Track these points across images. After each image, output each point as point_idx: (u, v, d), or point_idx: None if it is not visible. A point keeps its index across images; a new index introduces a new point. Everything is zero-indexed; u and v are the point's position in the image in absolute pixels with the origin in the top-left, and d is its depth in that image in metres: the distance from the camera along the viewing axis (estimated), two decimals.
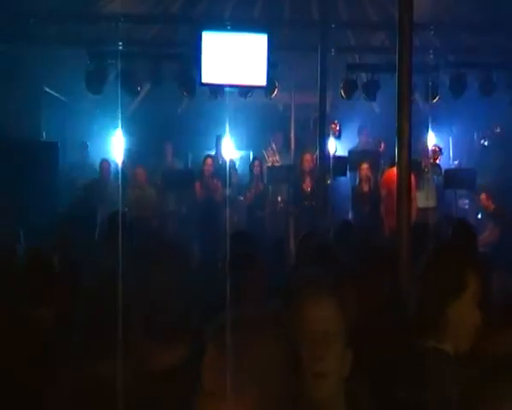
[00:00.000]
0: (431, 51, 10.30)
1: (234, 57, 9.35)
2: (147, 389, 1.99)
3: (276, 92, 9.82)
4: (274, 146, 10.81)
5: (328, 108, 9.63)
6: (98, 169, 10.40)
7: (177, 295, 2.16)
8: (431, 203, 10.06)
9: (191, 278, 2.24)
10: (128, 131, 10.21)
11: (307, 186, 9.88)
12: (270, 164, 10.63)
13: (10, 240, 5.98)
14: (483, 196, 9.95)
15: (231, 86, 9.84)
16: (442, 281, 2.37)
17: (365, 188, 9.92)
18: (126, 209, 9.61)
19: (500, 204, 9.81)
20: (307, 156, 10.07)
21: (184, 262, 2.25)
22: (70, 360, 2.38)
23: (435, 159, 10.40)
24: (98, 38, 9.66)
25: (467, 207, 10.55)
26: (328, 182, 9.49)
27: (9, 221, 7.09)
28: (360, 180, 9.99)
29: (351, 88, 9.77)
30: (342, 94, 9.82)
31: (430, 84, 9.68)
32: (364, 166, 10.00)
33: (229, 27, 9.49)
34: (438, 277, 2.39)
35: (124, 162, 10.79)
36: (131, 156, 10.66)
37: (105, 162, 10.38)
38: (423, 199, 9.78)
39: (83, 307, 2.80)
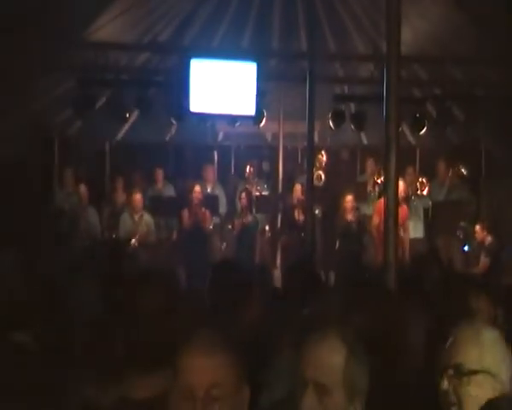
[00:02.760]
0: (417, 83, 10.43)
1: (222, 85, 9.40)
2: None
3: (264, 121, 9.85)
4: (255, 176, 10.84)
5: (316, 138, 9.67)
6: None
7: (162, 324, 2.19)
8: (418, 234, 10.09)
9: (175, 306, 2.26)
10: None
11: (298, 216, 9.89)
12: (257, 193, 10.60)
13: None
14: (478, 227, 9.98)
15: (220, 115, 9.89)
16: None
17: (349, 217, 9.94)
18: (114, 236, 9.61)
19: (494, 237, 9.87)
20: (297, 186, 10.09)
21: (170, 290, 2.28)
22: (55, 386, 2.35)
23: (422, 190, 10.44)
24: (87, 64, 9.67)
25: (461, 236, 10.55)
26: (316, 212, 9.49)
27: None
28: (344, 210, 10.00)
29: (339, 118, 9.83)
30: (331, 124, 9.87)
31: (417, 115, 9.75)
32: (349, 197, 10.02)
33: (218, 55, 9.57)
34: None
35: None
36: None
37: (82, 187, 10.29)
38: (412, 230, 9.82)
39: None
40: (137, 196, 10.10)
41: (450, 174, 10.58)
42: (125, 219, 10.05)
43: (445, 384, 2.00)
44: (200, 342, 1.81)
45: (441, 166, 10.71)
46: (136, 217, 10.00)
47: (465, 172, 10.61)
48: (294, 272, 4.44)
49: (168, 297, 2.31)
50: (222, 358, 1.79)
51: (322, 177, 10.60)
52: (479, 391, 1.99)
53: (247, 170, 10.95)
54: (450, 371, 2.01)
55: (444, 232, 10.11)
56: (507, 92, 9.75)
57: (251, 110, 9.47)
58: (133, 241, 9.71)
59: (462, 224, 10.36)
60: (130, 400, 2.16)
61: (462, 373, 2.00)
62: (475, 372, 1.99)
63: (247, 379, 1.82)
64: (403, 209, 9.01)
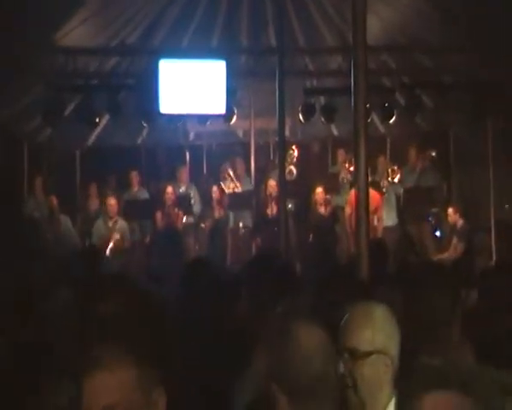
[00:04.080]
0: (386, 73, 10.51)
1: (192, 85, 9.38)
2: None
3: (234, 119, 9.85)
4: (232, 173, 10.83)
5: (287, 133, 9.69)
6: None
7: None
8: (391, 222, 10.18)
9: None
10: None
11: (271, 211, 9.91)
12: (230, 190, 10.60)
13: None
14: (450, 210, 10.08)
15: (190, 115, 9.88)
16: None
17: (322, 210, 9.99)
18: (87, 243, 9.53)
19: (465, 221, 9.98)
20: (271, 182, 10.11)
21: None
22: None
23: (393, 178, 10.52)
24: (56, 70, 9.59)
25: (433, 222, 10.65)
26: (289, 206, 9.52)
27: None
28: (315, 203, 10.05)
29: (309, 112, 9.86)
30: (301, 118, 9.91)
31: (386, 104, 9.82)
32: (319, 189, 10.08)
33: (187, 55, 9.55)
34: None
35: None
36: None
37: (53, 198, 10.12)
38: (384, 218, 9.90)
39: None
40: (112, 202, 10.02)
41: (420, 159, 10.70)
42: (99, 226, 9.97)
43: (342, 368, 2.03)
44: (100, 357, 1.68)
45: (412, 151, 10.82)
46: (111, 223, 9.93)
47: (434, 155, 10.75)
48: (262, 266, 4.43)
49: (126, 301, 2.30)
50: (124, 374, 1.65)
51: (294, 171, 10.65)
52: (372, 371, 2.04)
53: (227, 170, 10.90)
54: (346, 355, 2.05)
55: (416, 218, 10.22)
56: (474, 78, 9.87)
57: (221, 108, 9.47)
58: (109, 247, 9.65)
59: (433, 209, 10.48)
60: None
61: (356, 356, 2.04)
62: (369, 354, 2.04)
63: (162, 393, 1.69)
64: (376, 197, 9.09)
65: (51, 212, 10.01)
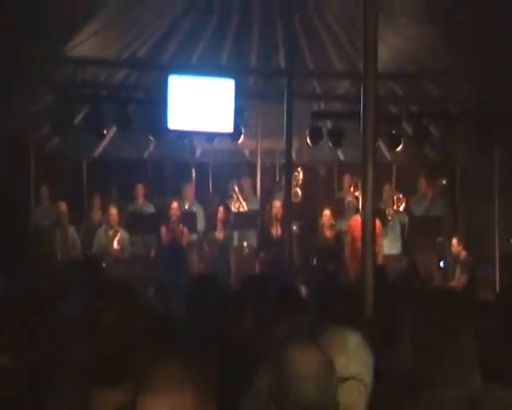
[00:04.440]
0: (394, 100, 10.56)
1: (201, 102, 9.41)
2: None
3: (242, 138, 9.88)
4: (238, 192, 10.85)
5: (294, 155, 9.72)
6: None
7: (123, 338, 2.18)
8: (395, 250, 10.17)
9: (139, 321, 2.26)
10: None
11: (276, 232, 9.92)
12: (235, 210, 10.61)
13: None
14: (454, 241, 10.09)
15: (198, 132, 9.90)
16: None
17: (328, 233, 10.00)
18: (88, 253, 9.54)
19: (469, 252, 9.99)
20: (277, 203, 10.12)
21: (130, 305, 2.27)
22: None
23: (398, 206, 10.53)
24: (65, 80, 9.65)
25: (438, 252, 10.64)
26: (294, 228, 9.52)
27: None
28: (323, 226, 10.06)
29: (316, 135, 9.89)
30: (308, 141, 9.94)
31: (393, 132, 9.86)
32: (326, 212, 10.09)
33: (196, 72, 9.59)
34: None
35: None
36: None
37: (62, 204, 10.19)
38: (388, 246, 9.89)
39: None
40: (113, 211, 10.07)
41: (431, 188, 10.74)
42: (100, 235, 10.02)
43: None
44: (164, 378, 1.58)
45: (422, 180, 10.86)
46: (111, 232, 9.96)
47: (445, 183, 10.81)
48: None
49: (128, 312, 2.30)
50: (189, 398, 1.55)
51: (299, 193, 10.66)
52: (347, 397, 2.04)
53: (233, 188, 10.92)
54: None
55: (422, 248, 10.21)
56: (480, 109, 9.91)
57: (229, 127, 9.49)
58: (112, 255, 9.68)
59: (438, 239, 10.47)
60: None
61: None
62: (344, 380, 2.04)
63: None
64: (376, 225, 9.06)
65: (59, 218, 10.03)
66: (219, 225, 10.46)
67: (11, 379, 3.04)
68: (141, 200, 10.66)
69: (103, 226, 10.11)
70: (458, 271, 9.87)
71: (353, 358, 2.08)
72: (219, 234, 10.46)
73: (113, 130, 10.20)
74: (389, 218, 10.15)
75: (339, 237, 10.01)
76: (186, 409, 1.54)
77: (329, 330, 2.21)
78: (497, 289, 9.61)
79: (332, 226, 10.08)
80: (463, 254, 9.96)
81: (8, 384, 2.95)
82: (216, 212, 10.51)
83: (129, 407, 1.69)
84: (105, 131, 9.82)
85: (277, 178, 11.62)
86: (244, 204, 10.64)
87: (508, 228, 10.17)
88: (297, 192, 10.52)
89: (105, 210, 10.39)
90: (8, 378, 3.03)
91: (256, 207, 10.67)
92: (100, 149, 11.51)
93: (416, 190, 10.95)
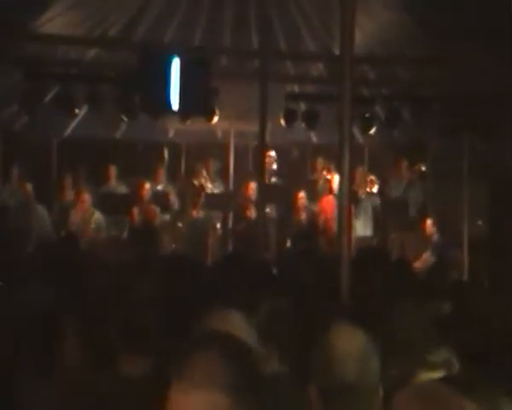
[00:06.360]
0: (367, 84, 10.61)
1: (174, 82, 9.32)
2: (122, 393, 2.12)
3: (215, 119, 9.84)
4: (205, 173, 10.84)
5: (267, 137, 9.71)
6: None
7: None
8: (368, 232, 10.27)
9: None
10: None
11: (250, 214, 9.92)
12: (208, 191, 10.60)
13: None
14: (428, 222, 10.22)
15: (171, 112, 9.82)
16: None
17: (302, 216, 10.05)
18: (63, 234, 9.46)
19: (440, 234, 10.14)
20: (251, 184, 10.11)
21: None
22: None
23: (371, 188, 10.63)
24: (34, 58, 9.47)
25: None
26: (268, 210, 9.54)
27: None
28: (297, 209, 10.10)
29: (291, 117, 9.91)
30: (282, 123, 9.94)
31: (367, 115, 9.92)
32: (301, 194, 10.13)
33: (169, 51, 9.49)
34: None
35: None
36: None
37: (27, 184, 10.05)
38: (361, 228, 9.98)
39: None
40: (85, 196, 10.00)
41: (409, 172, 10.87)
42: (75, 216, 9.91)
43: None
44: (199, 374, 1.39)
45: (403, 163, 10.96)
46: (86, 215, 9.87)
47: (424, 170, 10.94)
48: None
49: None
50: (224, 398, 1.37)
51: (273, 175, 10.68)
52: None
53: (203, 167, 10.89)
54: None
55: (394, 229, 10.34)
56: (450, 93, 10.03)
57: (201, 107, 9.44)
58: (85, 238, 9.59)
59: (410, 221, 10.61)
60: (123, 378, 2.22)
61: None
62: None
63: None
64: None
65: (25, 199, 9.90)
66: (194, 206, 10.42)
67: None
68: (113, 180, 10.58)
69: (76, 208, 10.02)
70: (428, 252, 10.01)
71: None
72: (197, 214, 10.42)
73: (85, 109, 10.07)
74: (362, 197, 10.26)
75: (312, 218, 10.07)
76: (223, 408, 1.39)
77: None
78: (466, 271, 9.80)
79: (305, 208, 10.14)
80: (435, 236, 10.11)
81: None
82: (192, 192, 10.48)
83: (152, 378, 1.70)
84: (76, 111, 9.69)
85: (251, 160, 11.62)
86: (210, 185, 10.63)
87: (476, 211, 10.34)
88: (270, 174, 10.52)
89: (76, 190, 10.30)
90: None
91: (221, 189, 10.67)
92: (71, 128, 11.36)
93: (390, 172, 11.06)
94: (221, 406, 1.36)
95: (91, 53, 10.47)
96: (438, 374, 2.31)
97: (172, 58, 8.98)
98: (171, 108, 8.92)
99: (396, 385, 1.76)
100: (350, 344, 1.92)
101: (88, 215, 9.88)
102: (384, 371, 1.94)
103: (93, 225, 9.79)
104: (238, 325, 2.09)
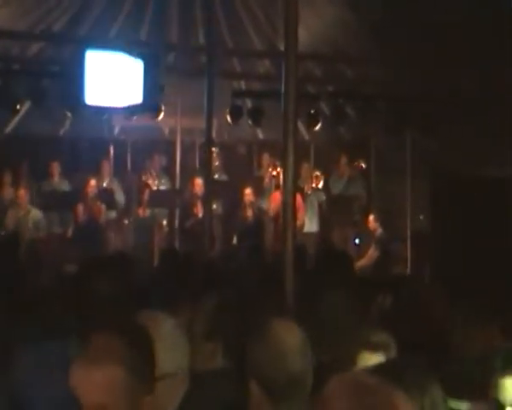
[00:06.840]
0: (312, 81, 10.73)
1: (118, 78, 9.25)
2: None
3: (161, 115, 9.79)
4: (152, 170, 10.78)
5: (214, 134, 9.71)
6: None
7: None
8: (312, 228, 10.38)
9: None
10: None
11: (198, 211, 9.90)
12: (154, 187, 10.53)
13: None
14: (371, 217, 10.39)
15: (116, 108, 9.74)
16: None
17: (249, 213, 10.09)
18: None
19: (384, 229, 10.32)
20: (198, 180, 10.09)
21: None
22: None
23: (317, 184, 10.74)
24: None
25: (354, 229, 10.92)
26: (215, 207, 9.55)
27: None
28: (244, 205, 10.14)
29: (237, 114, 9.93)
30: (228, 119, 9.96)
31: (312, 112, 10.02)
32: (247, 191, 10.17)
33: (114, 47, 9.40)
34: None
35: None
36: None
37: None
38: (307, 224, 10.09)
39: None
40: (21, 192, 9.86)
41: (350, 168, 11.01)
42: (12, 216, 9.73)
43: None
44: (97, 351, 1.61)
45: (342, 159, 11.08)
46: (22, 213, 9.71)
47: (364, 166, 11.10)
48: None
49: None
50: (116, 371, 1.59)
51: (219, 172, 10.69)
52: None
53: (149, 164, 10.82)
54: None
55: (338, 225, 10.48)
56: (393, 91, 10.23)
57: (147, 103, 9.38)
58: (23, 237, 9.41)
59: (355, 218, 10.77)
60: None
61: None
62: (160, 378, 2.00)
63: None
64: (298, 200, 9.23)
65: None
66: (141, 203, 10.35)
67: None
68: (56, 177, 10.42)
69: (14, 207, 9.83)
70: (372, 248, 10.18)
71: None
72: (144, 212, 10.35)
73: (27, 105, 9.86)
74: (308, 193, 10.35)
75: (259, 215, 10.13)
76: (118, 383, 1.58)
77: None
78: (409, 265, 10.03)
79: (252, 204, 10.18)
80: (378, 231, 10.29)
81: None
82: (139, 189, 10.40)
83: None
84: (18, 106, 9.48)
85: (197, 157, 11.60)
86: (156, 182, 10.58)
87: (418, 206, 10.58)
88: (217, 170, 10.53)
89: (16, 188, 10.12)
90: None
91: (167, 186, 10.63)
92: (12, 124, 11.11)
93: (334, 168, 11.20)
94: (117, 378, 1.57)
95: (34, 48, 10.26)
96: (377, 356, 2.39)
97: (85, 52, 8.93)
98: (84, 102, 8.86)
99: (327, 373, 1.82)
100: (293, 337, 1.95)
101: (24, 214, 9.69)
102: (316, 359, 2.00)
103: (30, 224, 9.61)
104: (162, 325, 2.03)
